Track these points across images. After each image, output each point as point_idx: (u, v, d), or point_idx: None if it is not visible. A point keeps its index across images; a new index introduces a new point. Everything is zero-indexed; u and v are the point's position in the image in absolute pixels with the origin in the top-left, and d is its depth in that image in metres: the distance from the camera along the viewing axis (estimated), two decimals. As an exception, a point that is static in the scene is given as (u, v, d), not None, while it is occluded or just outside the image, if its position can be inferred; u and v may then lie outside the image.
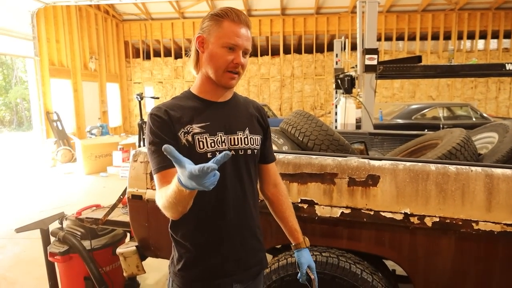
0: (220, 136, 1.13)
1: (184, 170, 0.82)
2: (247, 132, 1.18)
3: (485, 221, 1.44)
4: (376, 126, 5.35)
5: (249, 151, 1.18)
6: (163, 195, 0.98)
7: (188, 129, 1.10)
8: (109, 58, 12.60)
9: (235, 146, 1.15)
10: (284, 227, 1.33)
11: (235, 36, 1.07)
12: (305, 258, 1.29)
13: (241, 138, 1.17)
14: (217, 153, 1.11)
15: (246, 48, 1.10)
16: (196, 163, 1.00)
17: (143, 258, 1.96)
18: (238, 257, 1.18)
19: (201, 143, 1.10)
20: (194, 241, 1.15)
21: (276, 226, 1.39)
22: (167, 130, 1.08)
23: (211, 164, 0.78)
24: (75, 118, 10.34)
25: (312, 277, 1.28)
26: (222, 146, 1.13)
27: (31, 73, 9.09)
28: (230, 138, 1.15)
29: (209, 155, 1.10)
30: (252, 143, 1.18)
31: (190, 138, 1.09)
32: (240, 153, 1.16)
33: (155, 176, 1.08)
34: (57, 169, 8.01)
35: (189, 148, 1.09)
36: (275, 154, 1.43)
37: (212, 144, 1.11)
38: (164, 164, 1.05)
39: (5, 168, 8.21)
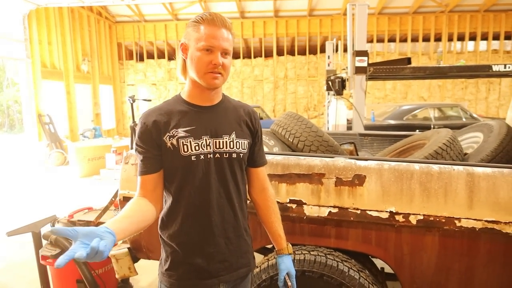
0: (205, 139, 1.17)
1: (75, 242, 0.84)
2: (233, 136, 1.21)
3: (467, 218, 1.48)
4: (368, 127, 5.42)
5: (234, 155, 1.20)
6: None
7: (174, 133, 1.15)
8: (102, 60, 12.55)
9: (219, 150, 1.19)
10: (268, 232, 1.36)
11: (211, 38, 1.11)
12: (285, 265, 1.31)
13: (226, 141, 1.19)
14: (201, 156, 1.16)
15: (224, 48, 1.13)
16: (181, 166, 1.14)
17: (135, 260, 1.98)
18: (224, 258, 1.21)
19: (185, 146, 1.15)
20: (180, 241, 1.19)
21: (263, 228, 1.42)
22: (149, 138, 1.16)
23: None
24: (68, 120, 10.28)
25: (289, 284, 1.30)
26: (206, 149, 1.17)
27: (22, 75, 9.02)
28: (216, 142, 1.18)
29: (193, 158, 1.15)
30: (238, 147, 1.21)
31: (174, 142, 1.14)
32: (224, 156, 1.19)
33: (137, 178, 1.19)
34: (49, 172, 7.96)
35: (174, 151, 1.15)
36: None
37: (196, 148, 1.15)
38: (142, 170, 1.16)
39: (-4, 171, 8.14)
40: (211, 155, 1.17)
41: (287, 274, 1.31)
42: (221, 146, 1.19)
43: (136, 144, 1.18)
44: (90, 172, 7.38)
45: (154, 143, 1.15)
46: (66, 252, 0.81)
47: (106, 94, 12.84)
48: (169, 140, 1.15)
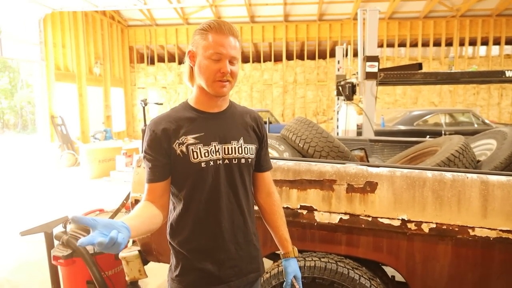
0: (214, 145, 1.18)
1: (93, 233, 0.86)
2: (241, 141, 1.22)
3: (481, 227, 1.46)
4: (378, 133, 5.39)
5: (242, 160, 1.22)
6: None
7: (183, 140, 1.16)
8: (113, 63, 12.73)
9: (229, 155, 1.20)
10: (274, 236, 1.36)
11: (219, 46, 1.12)
12: (292, 268, 1.31)
13: (235, 147, 1.21)
14: (211, 163, 1.17)
15: (232, 56, 1.14)
16: (190, 173, 1.16)
17: (145, 262, 1.99)
18: (234, 264, 1.22)
19: (195, 153, 1.15)
20: (190, 248, 1.20)
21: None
22: (157, 145, 1.16)
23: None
24: (79, 122, 10.43)
25: (296, 286, 1.30)
26: (216, 155, 1.18)
27: (37, 77, 9.20)
28: (224, 148, 1.19)
29: (202, 164, 1.16)
30: (246, 152, 1.23)
31: (184, 149, 1.15)
32: (234, 162, 1.20)
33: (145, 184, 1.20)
34: (61, 173, 8.07)
35: (183, 158, 1.16)
36: (275, 160, 1.47)
37: (206, 154, 1.16)
38: (150, 178, 1.17)
39: (9, 170, 8.29)
40: (220, 161, 1.18)
41: (294, 277, 1.31)
42: (230, 152, 1.20)
43: (145, 152, 1.18)
44: (101, 173, 7.46)
45: (163, 151, 1.16)
46: (88, 236, 0.83)
47: (117, 97, 13.00)
48: (179, 148, 1.16)
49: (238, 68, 1.18)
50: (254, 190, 1.35)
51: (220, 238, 1.19)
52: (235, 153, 1.20)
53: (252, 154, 1.25)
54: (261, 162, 1.32)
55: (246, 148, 1.23)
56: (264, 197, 1.35)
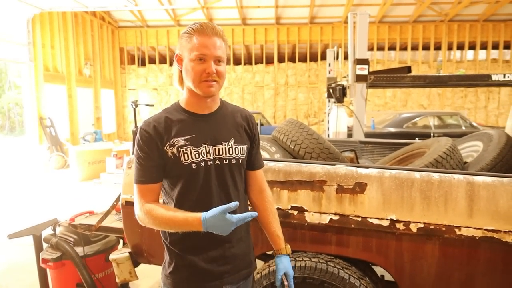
0: (205, 147, 1.20)
1: (223, 215, 1.05)
2: (232, 142, 1.25)
3: (467, 227, 1.50)
4: (368, 135, 5.45)
5: (233, 160, 1.24)
6: (159, 217, 1.13)
7: (174, 142, 1.18)
8: (104, 65, 12.62)
9: (219, 156, 1.22)
10: (267, 233, 1.38)
11: (202, 48, 1.14)
12: (283, 265, 1.32)
13: (225, 148, 1.23)
14: (202, 164, 1.19)
15: (216, 56, 1.16)
16: (181, 174, 1.17)
17: (136, 264, 1.98)
18: (226, 261, 1.24)
19: (185, 155, 1.18)
20: (184, 246, 1.22)
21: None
22: (153, 146, 1.18)
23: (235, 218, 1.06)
24: (69, 124, 10.31)
25: (286, 283, 1.31)
26: (206, 156, 1.20)
27: (25, 78, 9.07)
28: (215, 149, 1.22)
29: (193, 165, 1.18)
30: (237, 153, 1.25)
31: (175, 151, 1.18)
32: (224, 162, 1.23)
33: (134, 185, 1.21)
34: (50, 175, 7.96)
35: (175, 160, 1.18)
36: (266, 161, 1.49)
37: (197, 155, 1.19)
38: (143, 179, 1.19)
39: (-4, 174, 8.14)
40: (211, 162, 1.21)
41: (284, 274, 1.32)
42: (221, 153, 1.22)
43: (140, 153, 1.19)
44: (90, 175, 7.38)
45: (157, 152, 1.18)
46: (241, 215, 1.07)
47: (108, 98, 12.89)
48: (170, 149, 1.18)
49: (224, 67, 1.20)
50: (247, 188, 1.37)
51: (212, 237, 1.20)
52: (225, 154, 1.22)
53: (243, 154, 1.27)
54: (252, 161, 1.34)
55: (236, 149, 1.25)
56: (256, 195, 1.37)
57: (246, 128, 1.31)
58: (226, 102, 1.34)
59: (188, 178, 1.19)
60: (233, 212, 1.23)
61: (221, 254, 1.23)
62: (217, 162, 1.21)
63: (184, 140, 1.18)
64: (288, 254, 1.36)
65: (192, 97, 1.22)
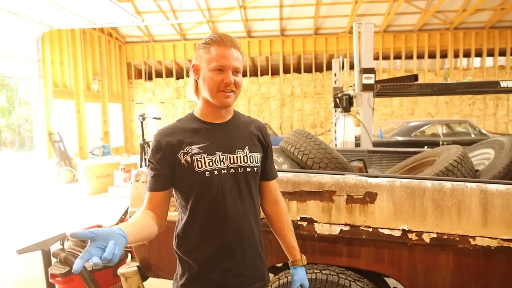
0: (219, 155, 1.20)
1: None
2: (246, 150, 1.24)
3: (482, 237, 1.46)
4: (376, 144, 5.40)
5: (248, 169, 1.23)
6: None
7: (187, 150, 1.18)
8: (111, 79, 12.81)
9: (234, 165, 1.21)
10: (282, 244, 1.37)
11: (221, 58, 1.16)
12: (299, 276, 1.32)
13: (240, 156, 1.23)
14: (215, 172, 1.18)
15: (234, 67, 1.17)
16: (194, 182, 1.18)
17: (144, 278, 1.96)
18: (240, 273, 1.22)
19: (199, 162, 1.18)
20: (197, 257, 1.21)
21: (276, 245, 1.41)
22: (162, 155, 1.19)
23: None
24: (77, 138, 10.42)
25: None
26: (221, 165, 1.20)
27: (34, 94, 9.23)
28: (230, 157, 1.21)
29: (207, 173, 1.18)
30: (251, 161, 1.24)
31: (188, 159, 1.18)
32: (239, 171, 1.22)
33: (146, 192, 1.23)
34: (59, 190, 8.02)
35: (188, 168, 1.18)
36: None
37: (210, 164, 1.19)
38: (152, 186, 1.20)
39: (7, 188, 8.22)
40: (226, 171, 1.20)
41: (300, 285, 1.31)
42: (236, 161, 1.22)
43: (149, 161, 1.22)
44: (99, 189, 7.42)
45: (166, 161, 1.19)
46: (81, 254, 0.85)
47: (115, 113, 13.04)
48: (183, 157, 1.18)
49: (241, 78, 1.21)
50: (261, 199, 1.37)
51: (226, 247, 1.20)
52: (240, 162, 1.22)
53: (257, 162, 1.26)
54: (266, 171, 1.34)
55: (251, 157, 1.24)
56: (270, 205, 1.37)
57: (260, 138, 1.31)
58: (239, 113, 1.35)
59: (201, 186, 1.18)
60: (249, 222, 1.25)
61: (234, 265, 1.21)
62: (232, 170, 1.21)
63: (198, 148, 1.18)
64: (304, 265, 1.34)
65: (207, 107, 1.23)
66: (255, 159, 1.26)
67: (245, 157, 1.23)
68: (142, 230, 1.10)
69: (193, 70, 1.24)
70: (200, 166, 1.17)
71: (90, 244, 0.89)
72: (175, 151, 1.18)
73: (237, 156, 1.22)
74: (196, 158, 1.18)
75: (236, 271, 1.21)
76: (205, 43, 1.19)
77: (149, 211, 1.19)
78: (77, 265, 0.83)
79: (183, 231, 1.23)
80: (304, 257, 1.36)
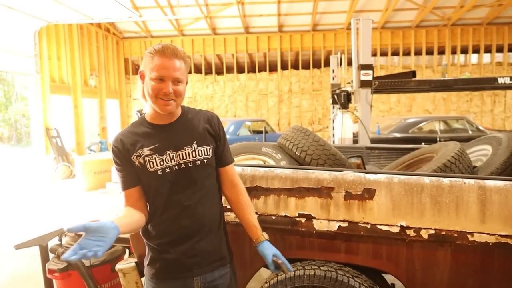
0: (169, 154, 1.32)
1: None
2: (194, 145, 1.35)
3: (480, 233, 1.46)
4: (373, 140, 5.41)
5: (198, 162, 1.35)
6: None
7: (140, 152, 1.32)
8: (109, 75, 12.74)
9: (183, 160, 1.34)
10: (244, 224, 1.44)
11: (162, 69, 1.24)
12: (268, 249, 1.38)
13: (188, 152, 1.34)
14: (167, 169, 1.32)
15: (174, 77, 1.26)
16: (149, 181, 1.34)
17: (142, 274, 1.96)
18: (195, 253, 1.35)
19: (151, 163, 1.31)
20: (157, 243, 1.36)
21: (274, 243, 1.42)
22: (122, 158, 1.33)
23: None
24: (74, 134, 10.38)
25: (280, 261, 1.35)
26: (171, 162, 1.33)
27: (31, 89, 9.17)
28: (179, 154, 1.33)
29: (159, 172, 1.31)
30: (200, 155, 1.35)
31: (142, 160, 1.32)
32: (189, 165, 1.34)
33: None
34: (56, 185, 7.99)
35: (142, 168, 1.32)
36: (272, 168, 1.54)
37: (161, 163, 1.32)
38: (123, 185, 1.35)
39: (4, 183, 8.19)
40: (176, 167, 1.33)
41: (274, 255, 1.36)
42: (185, 157, 1.33)
43: (115, 164, 1.35)
44: (96, 185, 7.40)
45: (127, 162, 1.33)
46: (73, 246, 1.00)
47: (113, 108, 12.98)
48: (137, 160, 1.32)
49: (183, 87, 1.31)
50: (221, 185, 1.47)
51: (183, 234, 1.34)
52: (189, 157, 1.34)
53: (208, 154, 1.37)
54: (221, 158, 1.43)
55: (200, 151, 1.35)
56: (229, 189, 1.46)
57: (209, 129, 1.40)
58: (189, 109, 1.44)
59: (156, 184, 1.32)
60: (205, 209, 1.36)
61: (190, 247, 1.34)
62: (183, 166, 1.33)
63: (148, 150, 1.31)
64: (267, 240, 1.41)
65: (154, 110, 1.34)
66: (205, 152, 1.36)
67: (194, 152, 1.34)
68: (131, 221, 1.27)
69: (140, 76, 1.33)
70: (152, 166, 1.31)
71: (84, 236, 1.03)
72: (129, 154, 1.32)
73: (185, 152, 1.33)
74: (148, 159, 1.31)
75: (192, 252, 1.34)
76: (150, 52, 1.27)
77: (131, 207, 1.33)
78: (66, 254, 0.97)
79: (146, 223, 1.37)
80: (265, 233, 1.43)
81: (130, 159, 1.31)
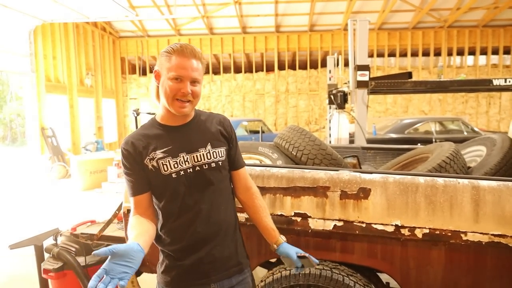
0: (182, 156, 1.27)
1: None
2: (209, 147, 1.31)
3: (473, 232, 1.48)
4: (370, 141, 5.43)
5: (213, 164, 1.30)
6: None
7: (153, 155, 1.26)
8: (105, 74, 12.69)
9: (198, 162, 1.29)
10: (260, 228, 1.42)
11: (180, 69, 1.21)
12: (291, 249, 1.36)
13: (203, 154, 1.29)
14: (181, 172, 1.27)
15: (193, 77, 1.23)
16: (163, 184, 1.26)
17: (138, 273, 1.96)
18: (212, 259, 1.30)
19: (165, 166, 1.26)
20: (172, 249, 1.31)
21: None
22: (132, 162, 1.27)
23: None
24: (70, 133, 10.32)
25: (307, 255, 1.33)
26: (185, 165, 1.27)
27: (27, 89, 9.11)
28: (193, 156, 1.28)
29: (173, 175, 1.26)
30: (215, 157, 1.31)
31: (155, 163, 1.26)
32: (204, 167, 1.29)
33: (129, 199, 1.31)
34: (52, 185, 7.95)
35: (156, 172, 1.26)
36: (268, 167, 1.53)
37: (175, 165, 1.26)
38: (133, 191, 1.28)
39: (-2, 184, 8.13)
40: (191, 169, 1.27)
41: (297, 253, 1.35)
42: (199, 159, 1.28)
43: (124, 169, 1.29)
44: (92, 185, 7.37)
45: (138, 166, 1.27)
46: (98, 271, 0.94)
47: (109, 108, 12.93)
48: (150, 163, 1.26)
49: (199, 88, 1.27)
50: (234, 188, 1.43)
51: (199, 239, 1.28)
52: (204, 159, 1.29)
53: (221, 156, 1.33)
54: (233, 161, 1.40)
55: (214, 153, 1.31)
56: (243, 193, 1.43)
57: (222, 131, 1.37)
58: (200, 111, 1.40)
59: (170, 188, 1.26)
60: (220, 213, 1.32)
61: (207, 252, 1.29)
62: (197, 168, 1.28)
63: (162, 152, 1.26)
64: (285, 241, 1.39)
65: (167, 112, 1.29)
66: (219, 153, 1.32)
67: (208, 154, 1.30)
68: (150, 237, 1.22)
69: (154, 75, 1.29)
70: (166, 169, 1.25)
71: (109, 260, 0.98)
72: (142, 157, 1.26)
73: (200, 154, 1.28)
74: (162, 162, 1.25)
75: (208, 258, 1.29)
76: (167, 51, 1.24)
77: (141, 216, 1.27)
78: (92, 282, 0.91)
79: (160, 229, 1.31)
80: (282, 236, 1.40)
81: (142, 163, 1.25)
